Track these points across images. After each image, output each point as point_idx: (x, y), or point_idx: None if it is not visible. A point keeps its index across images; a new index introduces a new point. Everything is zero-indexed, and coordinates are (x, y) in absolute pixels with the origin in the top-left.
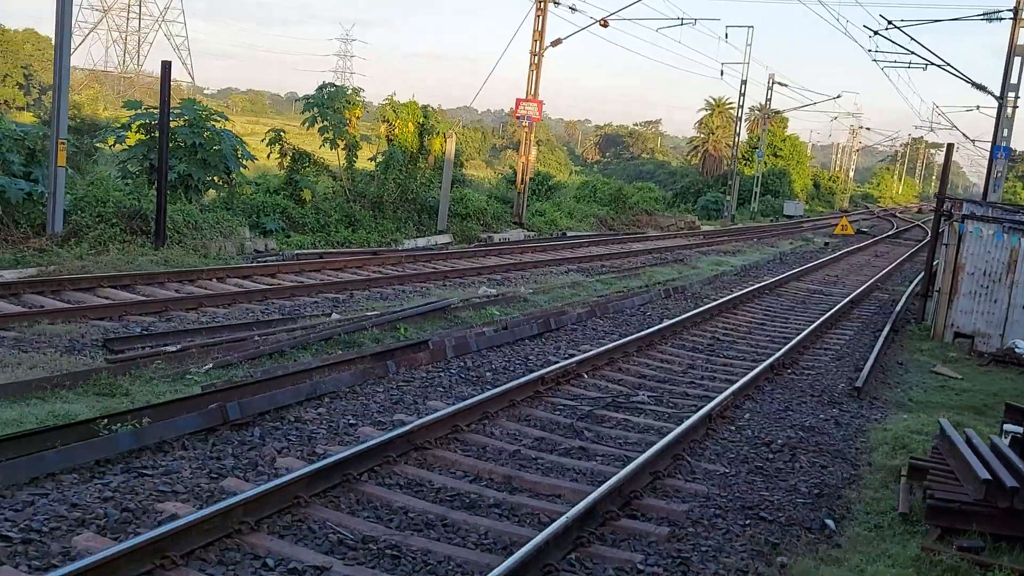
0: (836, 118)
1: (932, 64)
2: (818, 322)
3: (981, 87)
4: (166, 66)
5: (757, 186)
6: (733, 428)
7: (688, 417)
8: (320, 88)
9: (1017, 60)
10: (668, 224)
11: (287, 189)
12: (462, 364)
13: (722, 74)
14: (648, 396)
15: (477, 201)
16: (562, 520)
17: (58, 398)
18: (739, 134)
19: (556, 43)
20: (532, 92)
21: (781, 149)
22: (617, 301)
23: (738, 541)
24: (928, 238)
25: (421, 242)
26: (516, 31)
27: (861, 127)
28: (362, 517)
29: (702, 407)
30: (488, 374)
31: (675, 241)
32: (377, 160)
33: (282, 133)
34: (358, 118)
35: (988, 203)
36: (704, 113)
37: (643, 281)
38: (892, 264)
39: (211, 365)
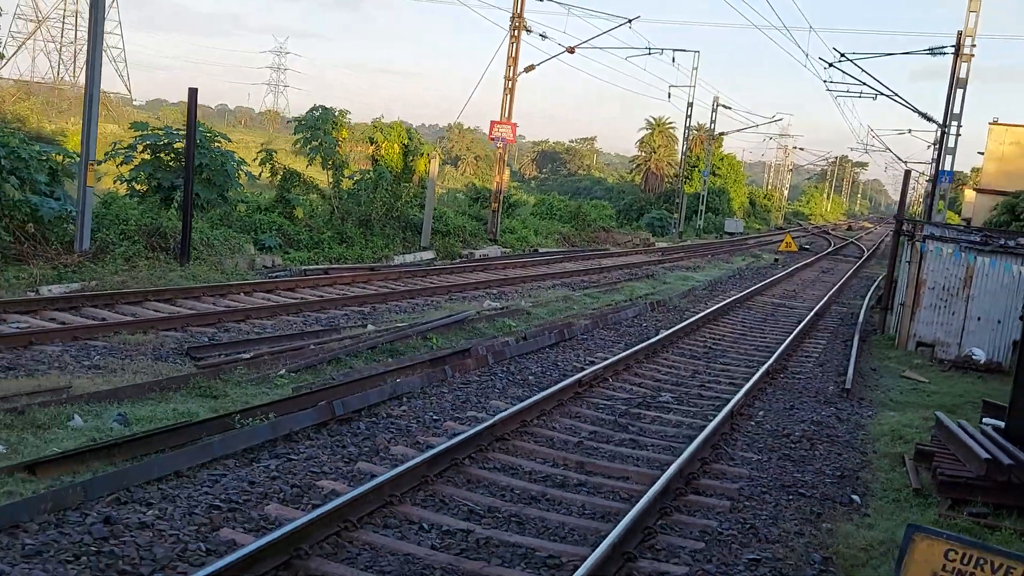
0: (771, 138)
1: (881, 94)
2: (794, 333)
3: (928, 117)
4: (193, 93)
5: (702, 204)
6: (753, 424)
7: (713, 414)
8: (311, 111)
9: (959, 92)
10: (625, 240)
11: (278, 207)
12: (504, 369)
13: (669, 96)
14: (670, 397)
15: (456, 219)
16: (649, 493)
17: (169, 399)
18: (685, 154)
19: (529, 69)
20: (506, 115)
21: (719, 168)
22: (612, 314)
23: (787, 511)
24: (864, 256)
25: (409, 258)
26: (493, 56)
27: (795, 147)
28: (478, 493)
29: (723, 406)
30: (531, 378)
31: (639, 257)
32: (359, 179)
33: (273, 152)
34: (344, 139)
35: (944, 224)
36: (645, 132)
37: (625, 295)
38: (841, 279)
39: (283, 371)
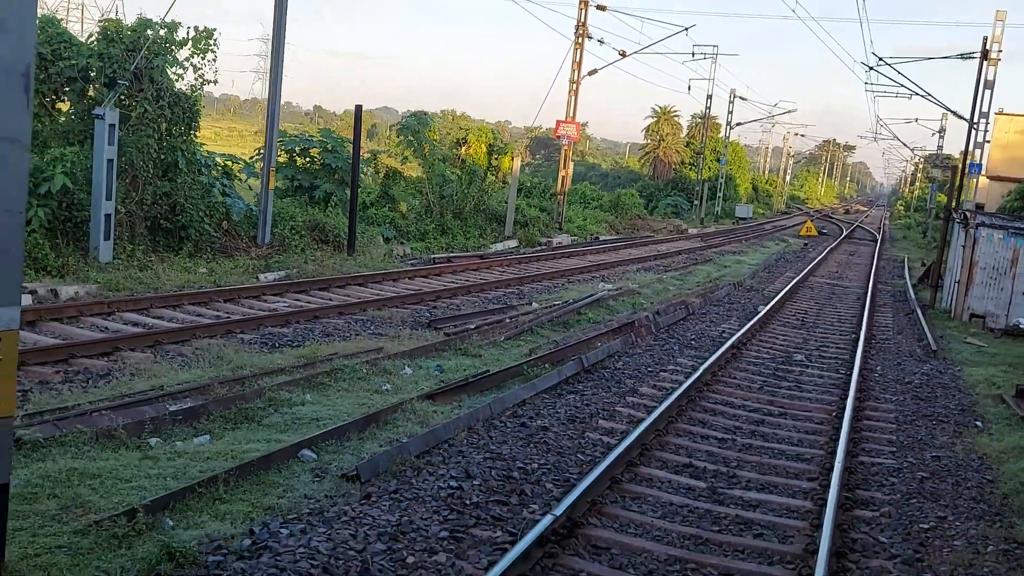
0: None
1: (916, 95)
2: (866, 307)
3: (959, 115)
4: (358, 109)
5: (720, 191)
6: (878, 374)
7: (844, 369)
8: (411, 116)
9: (987, 92)
10: (659, 227)
11: (381, 202)
12: (665, 336)
13: (689, 89)
14: (802, 357)
15: (530, 211)
16: (847, 418)
17: (446, 357)
18: (704, 143)
19: (592, 72)
20: (571, 115)
21: (724, 154)
22: (708, 293)
23: (936, 431)
24: (879, 240)
25: (499, 246)
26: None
27: (797, 134)
28: (719, 417)
29: (848, 363)
30: (692, 342)
31: (684, 243)
32: (455, 177)
33: (378, 152)
34: (436, 140)
35: (992, 213)
36: (651, 120)
37: (702, 277)
38: (871, 262)
39: (502, 338)
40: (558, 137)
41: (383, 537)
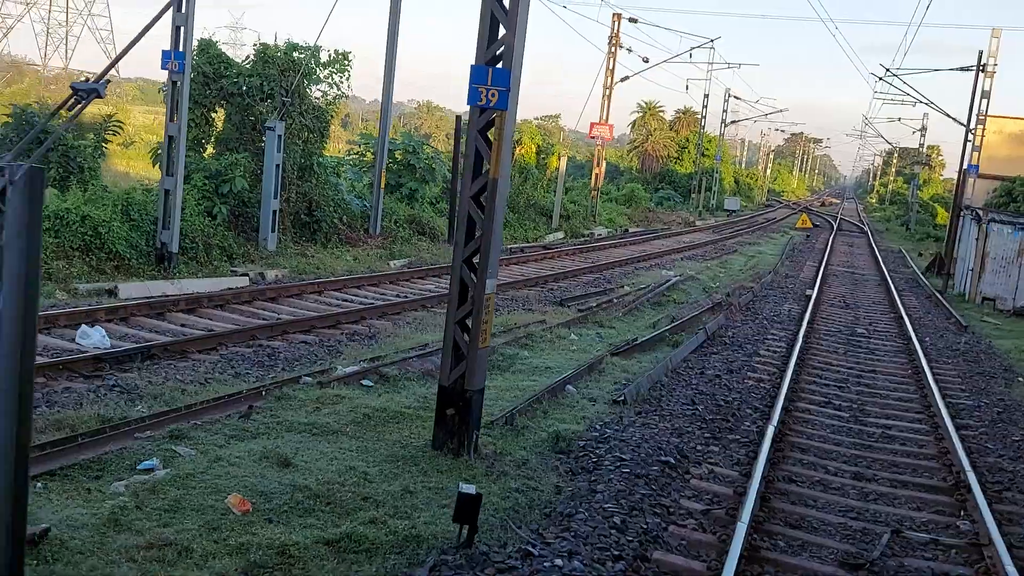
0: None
1: (920, 102)
2: (893, 291)
3: (958, 121)
4: (458, 120)
5: (716, 184)
6: (928, 344)
7: (901, 339)
8: (456, 118)
9: (984, 102)
10: (669, 220)
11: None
12: (750, 313)
13: (687, 88)
14: (863, 330)
15: (571, 205)
16: (927, 372)
17: (589, 328)
18: (701, 139)
19: (625, 79)
20: (604, 117)
21: (708, 149)
22: (758, 279)
23: (992, 383)
24: (868, 232)
25: (550, 238)
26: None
27: (778, 129)
28: (830, 372)
29: (906, 334)
30: (774, 319)
31: (701, 235)
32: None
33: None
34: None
35: (998, 210)
36: (636, 115)
37: (738, 265)
38: (871, 252)
39: (621, 313)
40: (592, 137)
41: (666, 434)
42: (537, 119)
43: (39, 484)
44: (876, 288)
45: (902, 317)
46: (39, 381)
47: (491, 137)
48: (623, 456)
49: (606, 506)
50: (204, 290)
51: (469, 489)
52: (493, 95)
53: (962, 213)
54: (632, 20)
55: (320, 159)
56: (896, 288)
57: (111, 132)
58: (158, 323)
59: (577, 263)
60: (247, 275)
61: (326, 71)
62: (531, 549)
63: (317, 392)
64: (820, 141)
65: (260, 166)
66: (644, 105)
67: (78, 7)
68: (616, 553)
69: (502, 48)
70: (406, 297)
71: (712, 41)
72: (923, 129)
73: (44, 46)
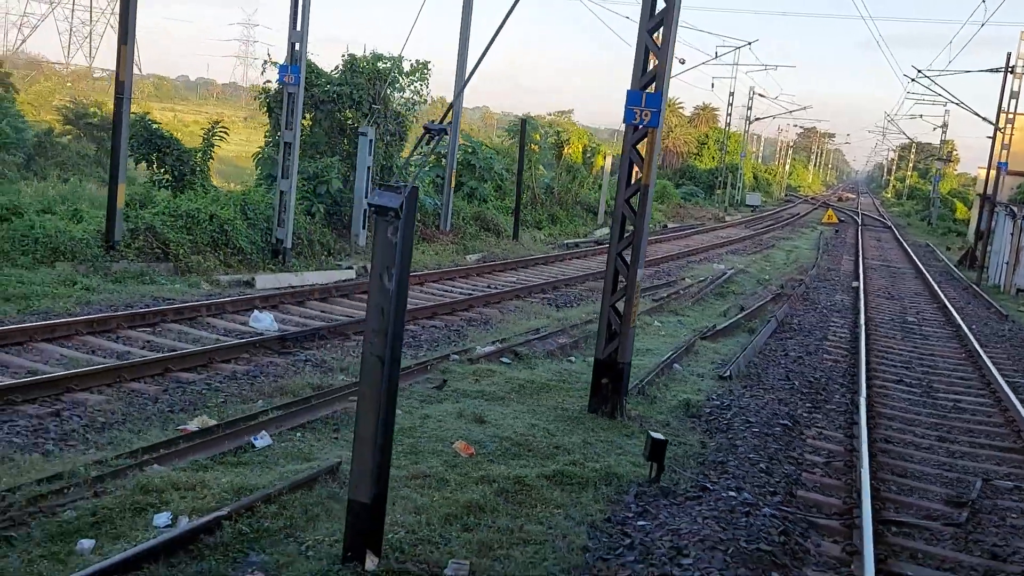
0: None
1: (951, 102)
2: (932, 284)
3: (987, 120)
4: (523, 123)
5: (740, 181)
6: (975, 330)
7: (948, 327)
8: (521, 121)
9: (1013, 102)
10: (700, 215)
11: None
12: (808, 302)
13: (713, 86)
14: (911, 318)
15: (612, 202)
16: (983, 355)
17: (665, 315)
18: (726, 137)
19: None
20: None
21: (727, 145)
22: (805, 272)
23: None
24: (892, 227)
25: (598, 233)
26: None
27: (795, 124)
28: (894, 354)
29: (954, 322)
30: (831, 306)
31: (736, 231)
32: (554, 175)
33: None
34: (537, 143)
35: (1007, 204)
36: None
37: (781, 259)
38: (899, 246)
39: (690, 302)
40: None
41: (774, 403)
42: (550, 114)
43: (298, 434)
44: (914, 280)
45: (946, 307)
46: (249, 356)
47: (641, 150)
48: (749, 419)
49: (750, 456)
50: (321, 282)
51: (658, 435)
52: (646, 115)
53: (996, 209)
54: None
55: (399, 161)
56: (933, 280)
57: (218, 138)
58: (303, 309)
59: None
60: (351, 268)
61: (408, 79)
62: (707, 484)
63: (470, 367)
64: (833, 136)
65: (349, 167)
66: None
67: (101, 6)
68: (771, 490)
69: (653, 76)
70: (498, 288)
71: (750, 44)
72: (944, 126)
73: (67, 44)
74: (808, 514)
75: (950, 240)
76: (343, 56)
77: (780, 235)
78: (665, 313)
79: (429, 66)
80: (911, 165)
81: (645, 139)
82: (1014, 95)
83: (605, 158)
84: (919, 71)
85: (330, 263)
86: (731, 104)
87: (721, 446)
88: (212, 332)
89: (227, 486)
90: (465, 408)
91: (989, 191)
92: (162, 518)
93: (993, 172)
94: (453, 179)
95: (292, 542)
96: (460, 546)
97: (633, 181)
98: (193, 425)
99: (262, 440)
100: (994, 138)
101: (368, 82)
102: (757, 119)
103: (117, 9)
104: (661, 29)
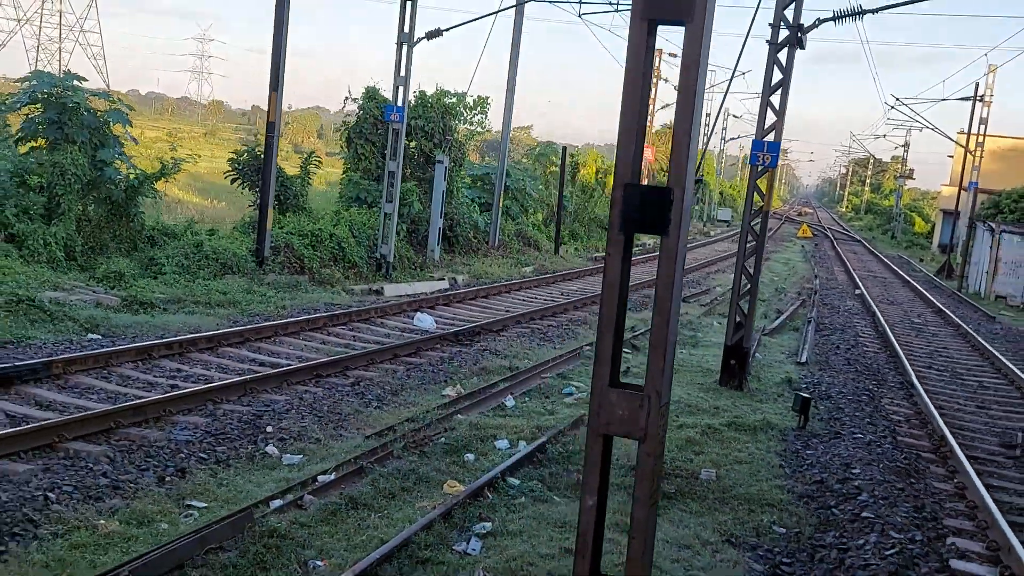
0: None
1: (925, 127)
2: (921, 291)
3: (957, 143)
4: (564, 150)
5: (717, 196)
6: (972, 328)
7: (954, 326)
8: (537, 147)
9: (981, 127)
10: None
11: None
12: (827, 307)
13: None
14: (918, 320)
15: None
16: (988, 348)
17: (716, 317)
18: (703, 155)
19: (664, 108)
20: (649, 142)
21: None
22: (810, 281)
23: None
24: (861, 240)
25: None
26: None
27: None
28: (916, 348)
29: (954, 322)
30: (847, 311)
31: (726, 244)
32: (570, 193)
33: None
34: (555, 164)
35: (1012, 222)
36: None
37: (780, 270)
38: (878, 258)
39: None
40: None
41: (848, 381)
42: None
43: (526, 399)
44: (903, 288)
45: (943, 310)
46: (442, 346)
47: (761, 185)
48: (842, 390)
49: (855, 415)
50: (426, 291)
51: (805, 394)
52: (767, 159)
53: (974, 224)
54: (672, 55)
55: (458, 184)
56: (921, 288)
57: (313, 165)
58: (439, 314)
59: (654, 271)
60: (443, 279)
61: (471, 112)
62: (838, 431)
63: None
64: (787, 151)
65: (422, 190)
66: None
67: (69, 23)
68: (881, 435)
69: (773, 128)
70: (570, 297)
71: (744, 74)
72: (906, 145)
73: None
74: (911, 450)
75: (915, 252)
76: (414, 93)
77: (769, 248)
78: (716, 315)
79: (489, 100)
80: (868, 180)
81: (764, 176)
82: (983, 121)
83: None
84: (897, 99)
85: (421, 275)
86: (711, 127)
87: (829, 408)
88: (389, 329)
89: (526, 425)
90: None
91: (959, 208)
92: (502, 443)
93: (969, 192)
94: (501, 200)
95: None
96: (699, 463)
97: (755, 209)
98: (451, 392)
99: (511, 401)
100: (964, 159)
101: (438, 115)
102: (732, 139)
103: (86, 26)
104: (779, 92)
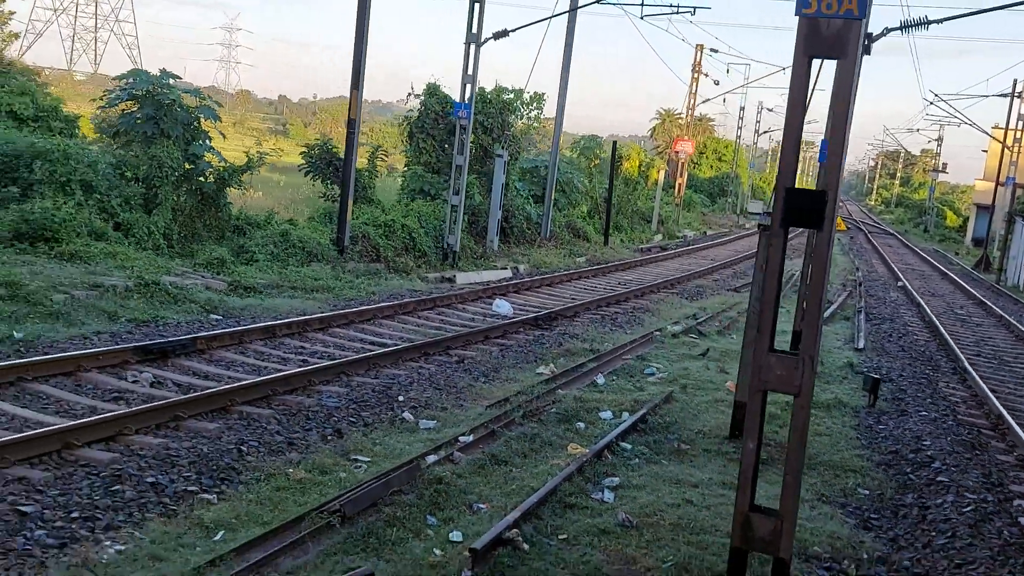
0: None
1: (964, 123)
2: (960, 283)
3: (996, 138)
4: (615, 145)
5: (748, 189)
6: (1014, 316)
7: (995, 316)
8: (582, 139)
9: (1020, 123)
10: (721, 222)
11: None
12: (872, 298)
13: (724, 101)
14: (962, 311)
15: (664, 210)
16: None
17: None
18: (737, 149)
19: (705, 101)
20: (688, 135)
21: (724, 154)
22: (853, 273)
23: None
24: (890, 233)
25: (656, 239)
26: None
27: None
28: (964, 335)
29: (997, 312)
30: (894, 302)
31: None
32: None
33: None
34: (599, 157)
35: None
36: (656, 122)
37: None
38: (914, 251)
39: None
40: (676, 152)
41: (905, 366)
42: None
43: (613, 378)
44: (942, 281)
45: (984, 302)
46: (526, 330)
47: None
48: (901, 374)
49: (917, 395)
50: (493, 279)
51: (875, 375)
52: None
53: (1013, 218)
54: (713, 51)
55: (513, 177)
56: (960, 280)
57: (380, 159)
58: (512, 300)
59: (700, 262)
60: (506, 268)
61: (527, 108)
62: (904, 409)
63: (677, 339)
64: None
65: (481, 183)
66: (663, 112)
67: (104, 12)
68: (944, 413)
69: None
70: (632, 286)
71: (784, 69)
72: (939, 139)
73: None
74: (972, 427)
75: (949, 246)
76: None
77: (804, 241)
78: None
79: (544, 96)
80: (899, 174)
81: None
82: (1021, 117)
83: (659, 172)
84: (936, 95)
85: (484, 264)
86: (742, 119)
87: (893, 389)
88: (472, 314)
89: (623, 400)
90: (706, 363)
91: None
92: (606, 414)
93: (1007, 187)
94: (553, 193)
95: (687, 429)
96: (784, 435)
97: None
98: (545, 371)
99: (601, 379)
100: (1001, 155)
101: (496, 111)
102: (765, 132)
103: (121, 16)
104: None
